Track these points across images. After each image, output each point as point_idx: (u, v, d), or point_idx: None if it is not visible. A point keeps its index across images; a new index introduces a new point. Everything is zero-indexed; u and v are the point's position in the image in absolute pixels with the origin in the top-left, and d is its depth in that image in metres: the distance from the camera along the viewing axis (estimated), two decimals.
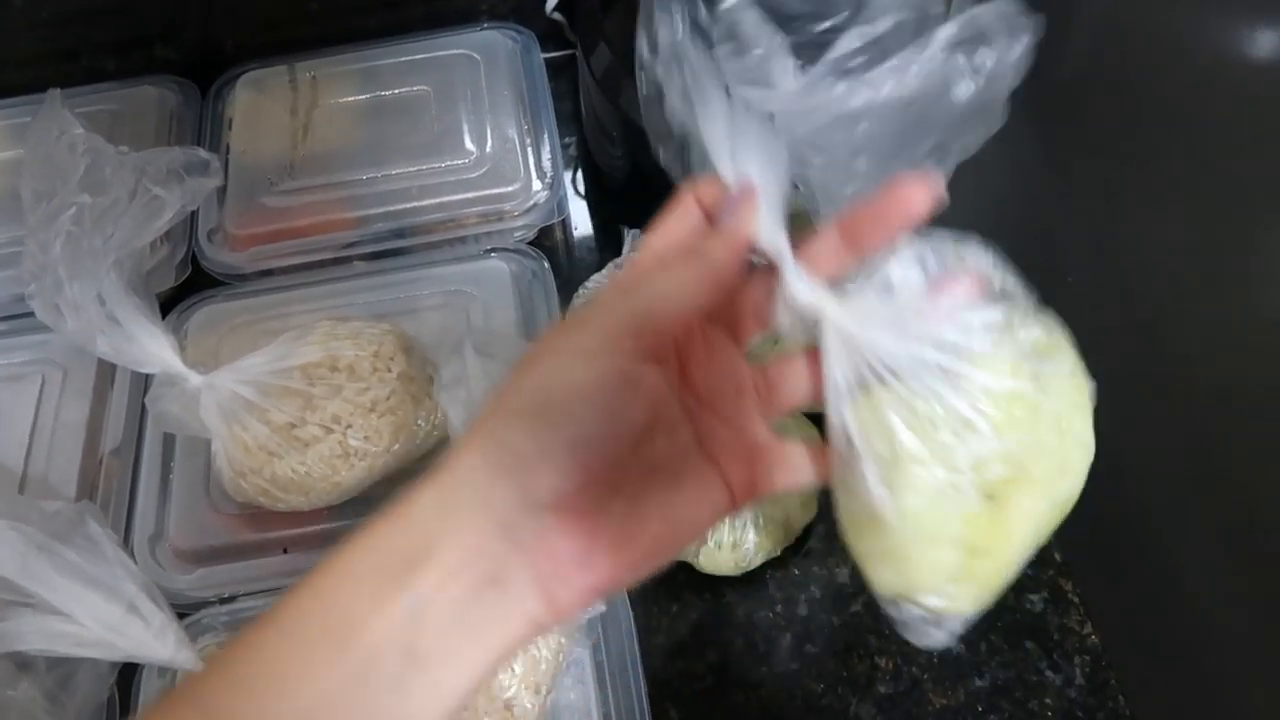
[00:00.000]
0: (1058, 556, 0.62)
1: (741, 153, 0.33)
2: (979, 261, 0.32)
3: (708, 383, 0.32)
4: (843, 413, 0.30)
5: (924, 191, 0.31)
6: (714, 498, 0.31)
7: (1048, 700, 0.58)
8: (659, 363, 0.30)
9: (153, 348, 0.59)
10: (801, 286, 0.31)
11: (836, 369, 0.30)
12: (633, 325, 0.29)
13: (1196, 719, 0.66)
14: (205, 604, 0.58)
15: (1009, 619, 0.60)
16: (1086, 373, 0.33)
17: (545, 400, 0.28)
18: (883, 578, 0.33)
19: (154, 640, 0.50)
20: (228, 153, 0.77)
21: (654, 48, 0.35)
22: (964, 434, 0.30)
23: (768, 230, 0.32)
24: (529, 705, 0.50)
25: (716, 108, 0.34)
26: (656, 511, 0.30)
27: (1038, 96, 0.75)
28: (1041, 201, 0.77)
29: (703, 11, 0.35)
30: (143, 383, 0.66)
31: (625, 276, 0.31)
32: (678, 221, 0.33)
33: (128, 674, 0.56)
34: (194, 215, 0.73)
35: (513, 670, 0.50)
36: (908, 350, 0.30)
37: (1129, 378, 0.69)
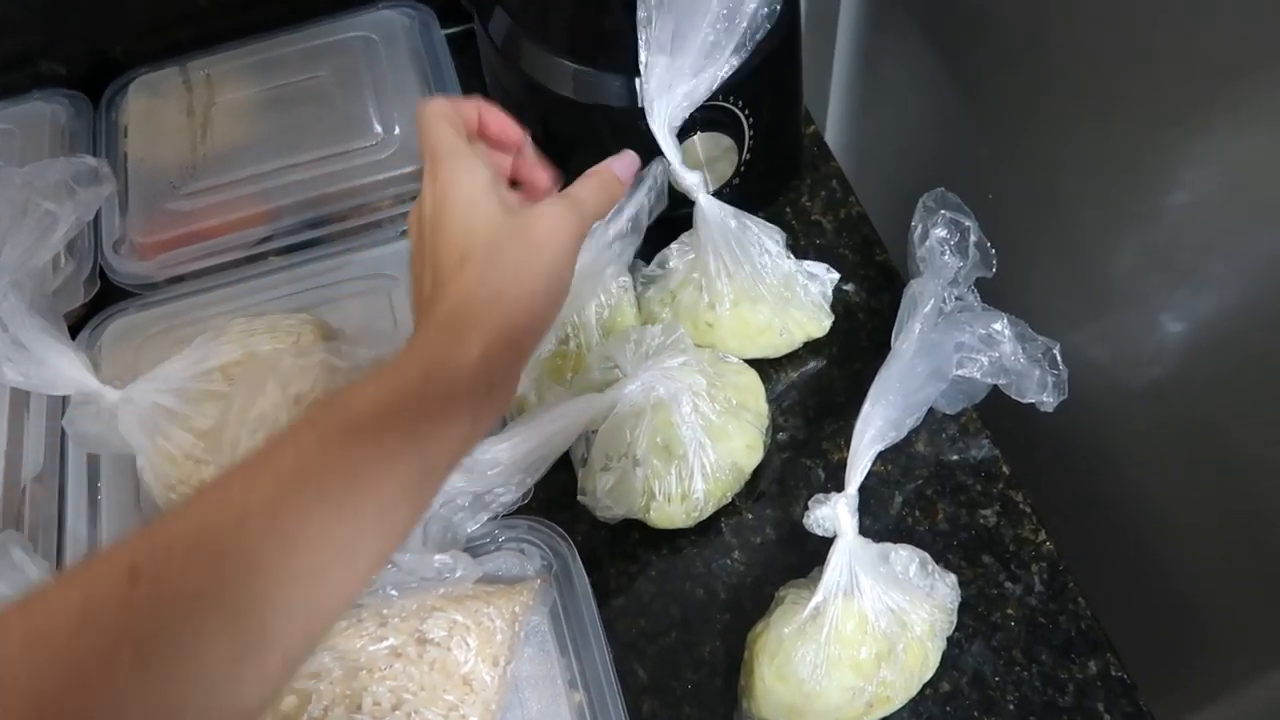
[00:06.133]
0: (1006, 470, 0.62)
1: None
2: None
3: None
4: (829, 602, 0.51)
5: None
6: None
7: (1009, 611, 0.58)
8: None
9: (63, 368, 0.57)
10: None
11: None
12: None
13: (1154, 611, 0.67)
14: None
15: (964, 536, 0.60)
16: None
17: None
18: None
19: None
20: (126, 161, 0.75)
21: None
22: (885, 664, 0.51)
23: None
24: (488, 679, 0.49)
25: None
26: None
27: (940, 18, 0.75)
28: (956, 122, 0.77)
29: None
30: (60, 405, 0.64)
31: None
32: None
33: None
34: (97, 227, 0.71)
35: (468, 644, 0.49)
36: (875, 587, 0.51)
37: (1056, 287, 0.69)
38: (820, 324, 0.66)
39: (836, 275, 0.67)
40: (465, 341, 0.38)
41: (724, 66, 0.51)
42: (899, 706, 0.54)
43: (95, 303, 0.70)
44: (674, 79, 0.51)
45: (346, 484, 0.33)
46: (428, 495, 0.37)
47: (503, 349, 0.38)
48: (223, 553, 0.29)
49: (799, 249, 0.71)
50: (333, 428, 0.34)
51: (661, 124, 0.53)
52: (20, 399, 0.65)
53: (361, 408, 0.35)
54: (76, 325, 0.68)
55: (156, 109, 0.78)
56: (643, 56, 0.51)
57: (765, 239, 0.62)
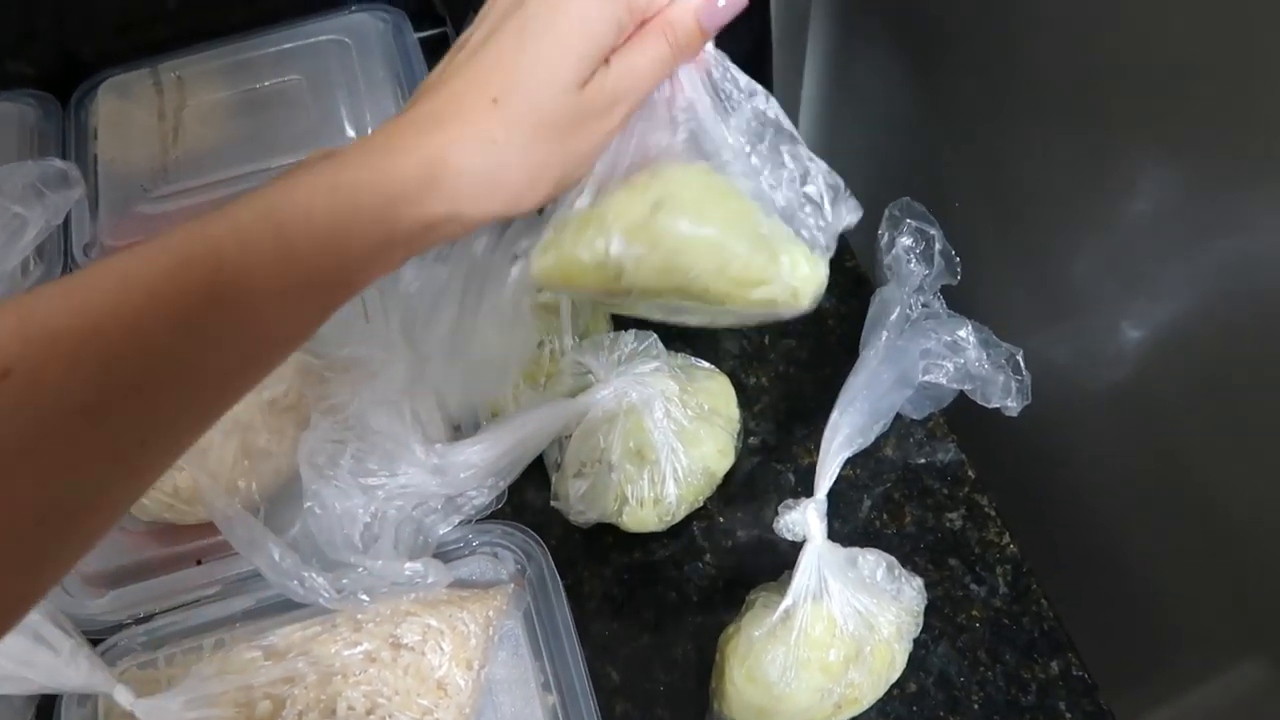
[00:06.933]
0: (971, 474, 0.63)
1: None
2: None
3: None
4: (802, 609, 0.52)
5: None
6: None
7: (974, 612, 0.59)
8: None
9: None
10: None
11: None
12: None
13: (1116, 612, 0.69)
14: (121, 626, 0.56)
15: (930, 539, 0.61)
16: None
17: None
18: None
19: (65, 667, 0.48)
20: (96, 163, 0.74)
21: None
22: (853, 666, 0.52)
23: None
24: (462, 683, 0.49)
25: None
26: None
27: (908, 29, 0.76)
28: (924, 130, 0.78)
29: None
30: None
31: None
32: None
33: (46, 707, 0.54)
34: (67, 230, 0.70)
35: (442, 649, 0.49)
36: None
37: (1020, 294, 0.70)
38: (813, 261, 0.45)
39: (858, 213, 0.46)
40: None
41: None
42: (867, 707, 0.55)
43: None
44: None
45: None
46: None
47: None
48: (116, 368, 0.28)
49: None
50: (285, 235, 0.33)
51: None
52: None
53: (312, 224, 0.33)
54: None
55: (127, 111, 0.77)
56: None
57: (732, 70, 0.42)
